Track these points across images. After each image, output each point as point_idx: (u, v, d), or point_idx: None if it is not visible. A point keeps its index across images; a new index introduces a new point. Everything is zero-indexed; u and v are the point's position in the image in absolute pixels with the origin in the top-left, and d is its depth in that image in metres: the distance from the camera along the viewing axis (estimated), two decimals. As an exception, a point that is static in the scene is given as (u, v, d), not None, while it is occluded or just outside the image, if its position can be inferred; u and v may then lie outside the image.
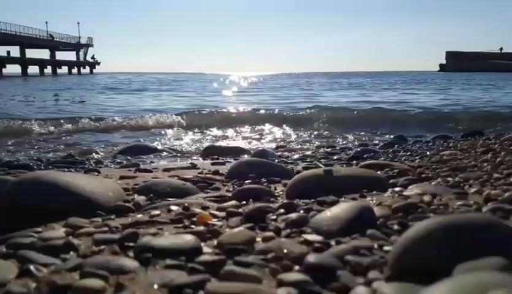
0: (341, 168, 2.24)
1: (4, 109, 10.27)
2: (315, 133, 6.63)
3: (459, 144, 3.98)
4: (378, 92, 17.87)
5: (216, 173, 2.73)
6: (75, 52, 65.13)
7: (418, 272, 0.89)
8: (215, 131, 6.84)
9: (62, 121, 7.32)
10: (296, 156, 3.91)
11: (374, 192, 1.82)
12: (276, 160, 3.37)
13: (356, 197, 1.75)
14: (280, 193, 1.99)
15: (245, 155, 3.87)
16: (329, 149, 4.49)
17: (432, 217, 1.20)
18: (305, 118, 8.31)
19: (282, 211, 1.52)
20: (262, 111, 9.28)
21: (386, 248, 1.11)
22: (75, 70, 62.58)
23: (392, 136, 5.64)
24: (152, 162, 3.46)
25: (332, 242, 1.17)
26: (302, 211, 1.50)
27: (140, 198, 1.89)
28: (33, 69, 52.92)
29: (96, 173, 2.83)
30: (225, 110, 9.72)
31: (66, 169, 3.03)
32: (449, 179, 2.07)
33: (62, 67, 59.38)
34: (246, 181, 2.31)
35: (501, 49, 71.69)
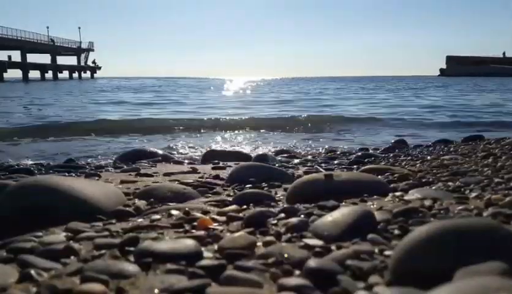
0: (341, 172, 2.24)
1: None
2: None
3: (459, 148, 3.98)
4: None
5: (217, 177, 2.73)
6: (76, 57, 65.31)
7: (419, 277, 0.89)
8: (215, 136, 6.85)
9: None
10: (296, 161, 3.91)
11: (375, 197, 1.82)
12: (277, 165, 3.36)
13: (357, 202, 1.75)
14: (281, 197, 1.99)
15: (246, 160, 3.87)
16: (330, 154, 4.49)
17: (432, 222, 1.20)
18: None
19: (282, 215, 1.52)
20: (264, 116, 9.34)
21: (386, 252, 1.11)
22: (75, 75, 62.70)
23: (392, 141, 5.63)
24: (152, 167, 3.45)
25: (333, 247, 1.17)
26: (302, 216, 1.50)
27: (141, 203, 1.89)
28: (34, 74, 53.06)
29: (97, 178, 2.83)
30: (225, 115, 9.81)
31: (67, 174, 3.03)
32: (450, 183, 2.07)
33: (63, 71, 59.49)
34: (247, 186, 2.31)
35: (504, 53, 71.70)
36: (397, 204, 1.62)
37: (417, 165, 2.96)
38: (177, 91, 25.96)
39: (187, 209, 1.67)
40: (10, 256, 1.20)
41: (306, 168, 3.29)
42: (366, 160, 3.66)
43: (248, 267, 1.06)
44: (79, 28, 65.32)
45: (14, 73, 52.06)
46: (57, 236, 1.38)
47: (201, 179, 2.64)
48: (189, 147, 5.48)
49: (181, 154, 4.84)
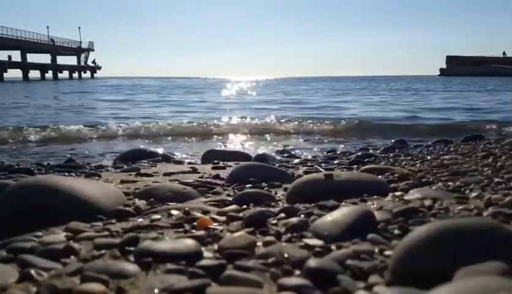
0: (341, 172, 2.24)
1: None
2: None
3: (459, 148, 3.97)
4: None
5: (217, 177, 2.73)
6: (76, 56, 65.35)
7: (419, 277, 0.89)
8: (215, 137, 6.86)
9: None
10: (296, 160, 3.91)
11: (375, 196, 1.82)
12: (277, 165, 3.37)
13: (357, 201, 1.75)
14: (281, 197, 1.99)
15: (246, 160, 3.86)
16: (330, 154, 4.49)
17: (432, 222, 1.20)
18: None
19: (282, 215, 1.52)
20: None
21: (386, 252, 1.11)
22: (75, 75, 62.75)
23: (392, 141, 5.63)
24: (152, 166, 3.46)
25: (333, 247, 1.17)
26: (302, 216, 1.50)
27: (141, 203, 1.89)
28: (34, 73, 53.11)
29: (97, 177, 2.83)
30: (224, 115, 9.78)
31: (67, 174, 3.03)
32: (450, 183, 2.07)
33: (63, 71, 59.52)
34: (247, 185, 2.31)
35: (504, 53, 71.69)
36: (397, 204, 1.62)
37: (417, 165, 2.96)
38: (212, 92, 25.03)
39: (187, 209, 1.66)
40: (10, 256, 1.20)
41: (306, 167, 3.29)
42: (366, 159, 3.66)
43: (248, 267, 1.06)
44: (79, 28, 65.47)
45: (14, 73, 52.17)
46: (57, 236, 1.38)
47: (201, 179, 2.64)
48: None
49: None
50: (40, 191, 1.65)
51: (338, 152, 4.60)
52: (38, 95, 20.62)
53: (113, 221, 1.58)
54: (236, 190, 2.24)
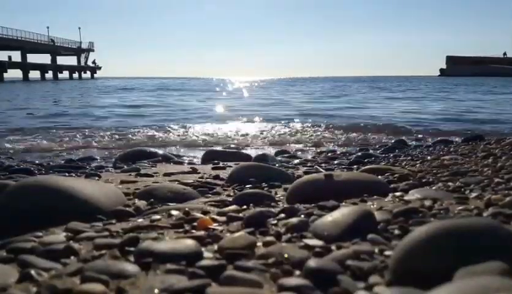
0: (341, 172, 2.24)
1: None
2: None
3: (459, 148, 3.97)
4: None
5: (217, 177, 2.73)
6: (76, 57, 65.36)
7: (419, 277, 0.89)
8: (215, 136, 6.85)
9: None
10: (296, 161, 3.91)
11: (375, 197, 1.82)
12: (277, 165, 3.37)
13: (357, 202, 1.75)
14: (281, 197, 1.99)
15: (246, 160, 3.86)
16: (330, 154, 4.49)
17: (432, 222, 1.20)
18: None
19: (282, 215, 1.52)
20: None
21: (386, 253, 1.11)
22: (75, 75, 62.75)
23: (393, 141, 5.63)
24: (152, 167, 3.46)
25: (333, 247, 1.17)
26: (302, 216, 1.50)
27: (141, 203, 1.89)
28: (34, 74, 53.13)
29: (97, 178, 2.83)
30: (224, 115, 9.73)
31: (67, 174, 3.03)
32: (450, 183, 2.07)
33: (63, 71, 59.52)
34: (247, 186, 2.31)
35: (504, 53, 71.75)
36: (397, 205, 1.62)
37: (418, 165, 2.96)
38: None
39: (187, 209, 1.67)
40: (10, 256, 1.20)
41: (306, 168, 3.29)
42: (366, 160, 3.67)
43: (248, 267, 1.06)
44: (79, 28, 65.47)
45: (14, 73, 52.17)
46: (57, 236, 1.38)
47: (201, 179, 2.64)
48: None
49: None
50: (40, 191, 1.65)
51: (338, 153, 4.60)
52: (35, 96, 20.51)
53: (113, 221, 1.58)
54: (236, 191, 2.24)
